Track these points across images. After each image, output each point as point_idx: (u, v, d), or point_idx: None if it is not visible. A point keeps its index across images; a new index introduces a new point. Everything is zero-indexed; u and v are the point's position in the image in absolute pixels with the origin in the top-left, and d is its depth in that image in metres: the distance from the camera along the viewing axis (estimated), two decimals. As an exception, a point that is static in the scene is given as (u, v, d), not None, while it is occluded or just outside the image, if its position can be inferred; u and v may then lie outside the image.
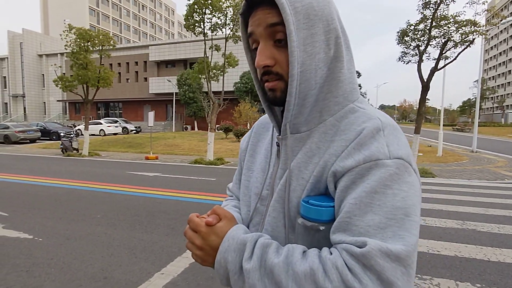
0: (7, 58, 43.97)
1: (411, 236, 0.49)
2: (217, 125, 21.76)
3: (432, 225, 4.38)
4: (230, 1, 10.27)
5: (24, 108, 43.40)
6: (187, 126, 31.25)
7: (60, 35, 12.53)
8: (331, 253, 0.51)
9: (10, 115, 44.26)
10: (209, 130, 11.35)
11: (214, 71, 11.74)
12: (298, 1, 0.56)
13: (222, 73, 11.68)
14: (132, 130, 27.09)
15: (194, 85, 26.05)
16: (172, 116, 30.70)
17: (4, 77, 45.31)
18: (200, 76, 11.87)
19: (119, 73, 33.90)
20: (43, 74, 43.24)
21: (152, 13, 70.05)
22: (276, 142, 0.68)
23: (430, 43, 8.25)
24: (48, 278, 2.86)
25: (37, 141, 20.53)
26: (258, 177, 0.72)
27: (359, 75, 51.28)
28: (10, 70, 43.55)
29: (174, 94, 29.22)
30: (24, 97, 43.19)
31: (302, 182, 0.60)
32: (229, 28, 10.79)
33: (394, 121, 0.60)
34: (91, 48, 12.73)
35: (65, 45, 12.65)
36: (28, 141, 19.75)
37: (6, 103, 45.74)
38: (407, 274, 0.48)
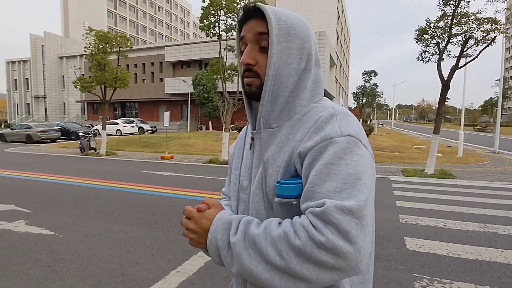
0: (30, 60, 45.52)
1: (362, 194, 0.59)
2: (231, 125, 21.87)
3: (452, 228, 4.26)
4: (244, 2, 10.29)
5: (45, 109, 44.84)
6: (202, 126, 31.51)
7: (83, 35, 12.87)
8: (299, 218, 0.62)
9: (32, 115, 45.82)
10: (223, 130, 11.41)
11: (229, 71, 11.79)
12: (283, 20, 0.71)
13: (237, 73, 11.71)
14: (148, 130, 27.54)
15: (208, 85, 26.26)
16: (187, 116, 31.03)
17: (27, 78, 46.93)
18: (214, 76, 11.95)
19: (136, 73, 34.52)
20: (63, 76, 44.55)
21: (168, 14, 71.03)
22: (251, 137, 0.79)
23: (451, 40, 8.01)
24: (69, 273, 2.95)
25: (57, 140, 21.17)
26: (238, 171, 0.84)
27: (375, 74, 50.29)
28: (32, 72, 45.07)
29: (189, 94, 29.53)
30: (45, 98, 44.62)
31: (276, 169, 0.71)
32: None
33: (346, 109, 0.73)
34: (109, 50, 13.03)
35: (85, 47, 12.99)
36: (48, 140, 20.40)
37: (28, 104, 47.37)
38: (360, 225, 0.57)
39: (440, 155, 12.75)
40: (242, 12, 0.76)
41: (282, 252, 0.59)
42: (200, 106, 30.16)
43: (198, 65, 32.34)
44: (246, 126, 0.94)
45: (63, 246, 3.59)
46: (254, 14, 0.74)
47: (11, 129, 21.22)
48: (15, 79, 48.16)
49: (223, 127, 11.47)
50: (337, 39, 46.91)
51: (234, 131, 22.52)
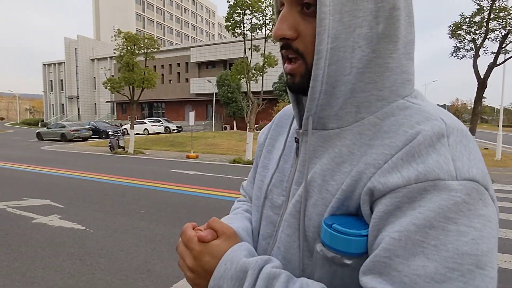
0: (64, 62, 47.96)
1: None
2: (256, 125, 21.91)
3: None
4: (269, 0, 10.27)
5: (78, 109, 47.08)
6: (226, 126, 31.83)
7: (112, 37, 13.38)
8: None
9: (66, 115, 48.28)
10: (248, 130, 11.44)
11: (253, 71, 11.82)
12: None
13: (261, 73, 11.71)
14: (173, 130, 28.18)
15: (233, 85, 26.47)
16: (212, 116, 31.45)
17: (61, 80, 49.48)
18: (238, 76, 12.01)
19: (162, 74, 35.45)
20: (94, 77, 46.58)
21: (193, 16, 72.45)
22: (295, 137, 0.55)
23: (488, 36, 7.57)
24: (99, 267, 3.04)
25: (89, 139, 22.13)
26: (270, 178, 0.59)
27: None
28: (66, 74, 47.45)
29: (214, 94, 29.92)
30: (78, 98, 46.84)
31: (326, 196, 0.46)
32: (268, 29, 10.80)
33: (463, 124, 0.44)
34: (137, 51, 13.45)
35: (114, 49, 13.49)
36: (81, 139, 21.37)
37: (63, 104, 49.93)
38: None
39: (475, 157, 12.08)
40: None
41: None
42: (225, 106, 30.48)
43: (223, 65, 32.69)
44: (284, 108, 0.70)
45: (93, 240, 3.72)
46: None
47: (47, 128, 22.45)
48: (51, 81, 50.93)
49: (248, 127, 11.50)
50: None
51: (258, 131, 22.55)
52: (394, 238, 0.37)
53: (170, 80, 36.38)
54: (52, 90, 50.64)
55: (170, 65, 36.15)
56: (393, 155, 0.41)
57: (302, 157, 0.51)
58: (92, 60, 46.88)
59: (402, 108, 0.45)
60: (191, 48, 34.22)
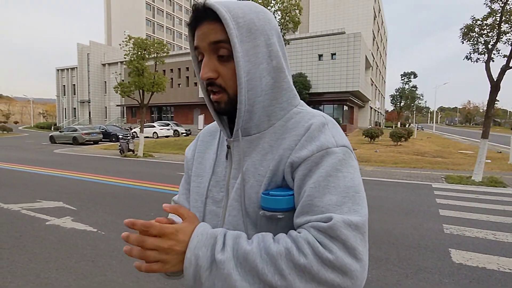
0: (77, 68, 48.94)
1: (362, 208, 0.57)
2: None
3: (503, 241, 3.92)
4: (278, 5, 10.32)
5: (89, 113, 47.89)
6: (234, 129, 31.90)
7: (120, 44, 13.60)
8: (299, 233, 0.56)
9: (78, 118, 49.15)
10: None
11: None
12: (240, 17, 0.62)
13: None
14: (182, 133, 28.39)
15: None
16: (220, 120, 31.60)
17: (74, 85, 50.47)
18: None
19: (171, 78, 35.82)
20: (105, 81, 47.37)
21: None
22: (227, 145, 0.71)
23: (500, 38, 7.45)
24: (111, 269, 3.08)
25: (99, 142, 22.46)
26: (207, 181, 0.73)
27: (414, 76, 48.05)
28: (79, 79, 48.39)
29: (222, 98, 30.04)
30: (90, 102, 47.67)
31: (259, 178, 0.64)
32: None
33: (331, 118, 0.69)
34: (146, 56, 13.63)
35: (125, 54, 13.70)
36: (92, 142, 21.71)
37: (74, 108, 50.87)
38: (363, 240, 0.55)
39: (489, 161, 11.84)
40: (191, 13, 0.65)
41: (283, 272, 0.52)
42: (233, 110, 30.56)
43: (231, 69, 32.83)
44: (206, 128, 0.88)
45: (105, 242, 3.77)
46: (205, 15, 0.63)
47: (60, 131, 22.87)
48: (64, 85, 51.99)
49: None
50: (373, 40, 45.52)
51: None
52: (312, 187, 0.58)
53: (179, 84, 36.73)
54: (64, 95, 51.66)
55: (179, 69, 36.53)
56: (299, 140, 0.63)
57: (237, 156, 0.69)
58: (103, 65, 47.71)
59: (297, 113, 0.68)
60: (200, 53, 34.49)
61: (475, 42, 7.89)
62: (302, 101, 0.73)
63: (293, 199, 0.61)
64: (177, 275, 0.66)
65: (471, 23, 7.88)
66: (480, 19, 7.74)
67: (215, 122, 0.83)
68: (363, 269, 0.54)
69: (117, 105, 43.35)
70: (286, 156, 0.62)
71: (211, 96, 0.67)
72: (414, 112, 53.55)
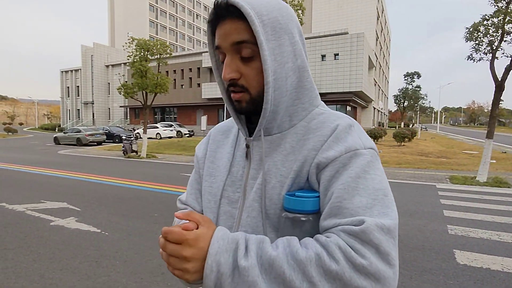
0: (80, 69, 49.22)
1: (393, 212, 0.55)
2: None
3: (508, 241, 3.88)
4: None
5: (93, 114, 48.12)
6: (237, 130, 31.92)
7: (123, 46, 13.65)
8: (328, 237, 0.53)
9: (81, 120, 49.43)
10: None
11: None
12: (265, 14, 0.60)
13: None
14: (185, 134, 28.42)
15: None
16: (224, 120, 31.63)
17: (78, 86, 50.76)
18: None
19: (174, 79, 35.93)
20: (108, 83, 47.58)
21: (205, 22, 73.33)
22: (246, 144, 0.70)
23: (505, 38, 7.40)
24: (114, 270, 3.10)
25: (103, 143, 22.56)
26: (223, 181, 0.71)
27: (418, 76, 47.83)
28: (83, 80, 48.65)
29: (225, 99, 30.06)
30: (93, 104, 47.91)
31: (281, 179, 0.63)
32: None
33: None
34: (150, 57, 13.68)
35: (128, 56, 13.77)
36: (95, 143, 21.81)
37: (78, 110, 51.16)
38: (395, 244, 0.53)
39: (494, 161, 11.75)
40: (212, 10, 0.63)
41: (313, 279, 0.49)
42: (236, 110, 30.58)
43: (234, 70, 32.86)
44: (217, 126, 0.85)
45: (108, 243, 3.79)
46: (227, 12, 0.60)
47: (64, 132, 23.01)
48: (68, 87, 52.31)
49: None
50: (377, 40, 45.37)
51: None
52: (340, 189, 0.56)
53: (182, 85, 36.82)
54: (68, 96, 51.97)
55: (182, 70, 36.62)
56: (326, 140, 0.61)
57: (257, 156, 0.68)
58: (107, 66, 47.94)
59: (319, 113, 0.67)
60: (203, 54, 34.58)
61: (480, 41, 7.85)
62: (322, 102, 0.71)
63: (318, 201, 0.59)
64: (198, 283, 0.61)
65: (478, 22, 7.83)
66: (487, 17, 7.70)
67: (227, 121, 0.84)
68: (396, 276, 0.51)
69: (121, 106, 43.53)
70: (312, 157, 0.61)
71: (232, 95, 0.66)
72: (418, 112, 53.28)
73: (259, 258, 0.53)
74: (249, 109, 0.65)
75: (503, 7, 7.40)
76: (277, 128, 0.66)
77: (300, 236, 0.57)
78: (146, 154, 13.91)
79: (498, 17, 7.48)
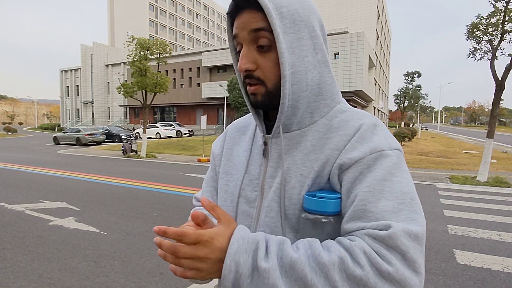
0: (80, 69, 49.20)
1: (420, 217, 0.53)
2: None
3: (508, 241, 3.87)
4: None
5: (93, 113, 48.12)
6: (237, 129, 31.87)
7: (124, 44, 13.64)
8: (351, 241, 0.51)
9: (81, 119, 49.43)
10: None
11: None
12: (284, 6, 0.58)
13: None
14: (185, 133, 28.43)
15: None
16: (223, 120, 31.64)
17: (77, 86, 50.76)
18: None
19: (174, 79, 35.92)
20: (108, 82, 47.57)
21: (205, 21, 73.30)
22: (264, 141, 0.68)
23: (504, 38, 7.39)
24: (112, 270, 3.08)
25: (102, 143, 22.54)
26: (240, 180, 0.69)
27: (418, 75, 47.82)
28: (82, 80, 48.64)
29: (225, 98, 30.11)
30: (93, 103, 47.90)
31: (301, 179, 0.61)
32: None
33: None
34: (149, 56, 13.67)
35: (128, 55, 13.75)
36: (95, 143, 21.78)
37: (78, 109, 51.16)
38: (422, 251, 0.51)
39: (495, 161, 11.75)
40: (231, 1, 0.62)
41: (336, 283, 0.48)
42: (236, 110, 30.60)
43: (234, 69, 32.86)
44: (234, 123, 0.82)
45: (107, 243, 3.78)
46: (246, 3, 0.60)
47: (63, 132, 22.98)
48: (67, 87, 52.30)
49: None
50: (377, 39, 45.34)
51: (269, 134, 22.51)
52: (365, 191, 0.54)
53: (182, 85, 36.81)
54: (68, 96, 51.97)
55: (182, 69, 36.61)
56: (349, 140, 0.59)
57: (275, 154, 0.65)
58: (107, 65, 47.92)
59: (341, 111, 0.65)
60: (203, 53, 34.58)
61: (480, 40, 7.84)
62: (343, 99, 0.69)
63: (340, 203, 0.57)
64: (209, 280, 0.60)
65: (477, 21, 7.82)
66: (485, 17, 7.69)
67: (244, 117, 0.81)
68: (422, 284, 0.49)
69: (120, 106, 43.52)
70: (334, 157, 0.59)
71: (247, 88, 0.64)
72: (418, 111, 53.27)
73: (279, 260, 0.51)
74: (264, 102, 0.63)
75: (501, 8, 7.39)
76: (296, 124, 0.64)
77: (321, 238, 0.54)
78: (146, 154, 13.90)
79: (495, 17, 7.47)
